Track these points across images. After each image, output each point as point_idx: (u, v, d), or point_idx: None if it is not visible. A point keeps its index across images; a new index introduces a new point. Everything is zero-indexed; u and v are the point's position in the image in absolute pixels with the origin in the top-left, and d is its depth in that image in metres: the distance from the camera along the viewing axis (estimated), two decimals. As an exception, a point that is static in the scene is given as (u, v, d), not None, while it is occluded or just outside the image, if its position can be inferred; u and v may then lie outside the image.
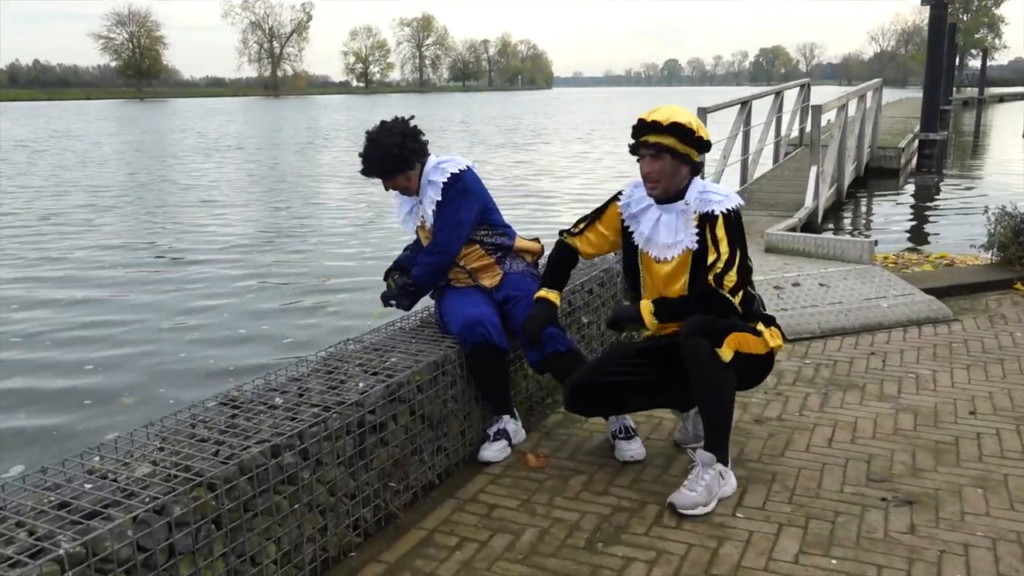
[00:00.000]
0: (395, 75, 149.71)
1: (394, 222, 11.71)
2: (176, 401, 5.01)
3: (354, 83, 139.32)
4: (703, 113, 8.35)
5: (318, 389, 2.63)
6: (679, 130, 2.65)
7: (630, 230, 2.93)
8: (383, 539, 2.60)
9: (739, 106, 9.58)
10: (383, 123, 3.12)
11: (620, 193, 2.97)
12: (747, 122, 9.93)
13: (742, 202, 2.80)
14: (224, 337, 6.70)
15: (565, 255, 3.11)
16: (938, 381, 3.79)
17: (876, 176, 13.45)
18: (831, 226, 9.67)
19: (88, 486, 2.02)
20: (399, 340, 3.15)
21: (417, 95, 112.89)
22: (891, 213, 11.62)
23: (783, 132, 12.53)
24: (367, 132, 3.14)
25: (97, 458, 2.19)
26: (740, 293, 2.64)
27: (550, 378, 3.65)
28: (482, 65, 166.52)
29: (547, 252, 3.58)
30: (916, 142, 15.92)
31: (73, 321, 7.25)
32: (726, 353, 2.60)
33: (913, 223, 10.86)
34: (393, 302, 3.28)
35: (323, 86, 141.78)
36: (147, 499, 1.95)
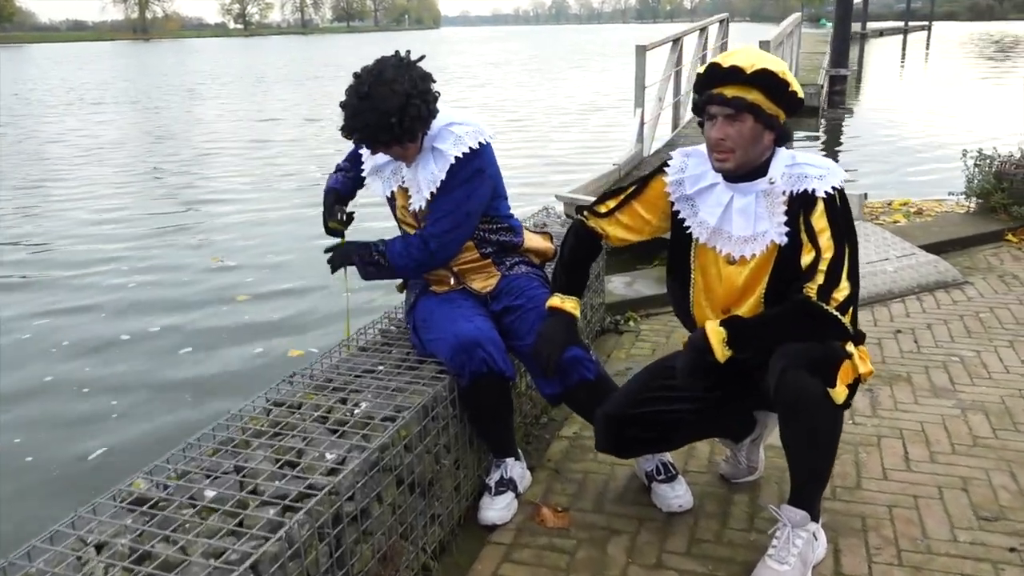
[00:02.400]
0: (275, 16, 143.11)
1: (298, 181, 10.37)
2: (41, 501, 3.40)
3: (231, 25, 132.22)
4: (642, 52, 7.65)
5: (267, 470, 1.81)
6: (768, 81, 1.91)
7: (682, 216, 2.18)
8: (375, 672, 1.83)
9: (671, 44, 8.90)
10: (380, 70, 2.16)
11: (666, 164, 2.21)
12: (679, 61, 9.28)
13: (846, 176, 2.08)
14: (105, 380, 4.60)
15: (587, 244, 2.33)
16: (988, 365, 3.26)
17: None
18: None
19: None
20: (362, 370, 2.34)
21: (300, 37, 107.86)
22: (823, 154, 11.30)
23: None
24: (356, 78, 2.18)
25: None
26: (851, 310, 1.94)
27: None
28: (367, 5, 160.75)
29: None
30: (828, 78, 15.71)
31: None
32: (840, 394, 1.92)
33: (847, 165, 10.51)
34: (352, 266, 2.42)
35: (198, 28, 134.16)
36: None
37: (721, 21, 12.70)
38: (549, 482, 2.55)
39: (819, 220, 1.97)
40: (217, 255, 7.15)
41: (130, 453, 3.74)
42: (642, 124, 7.63)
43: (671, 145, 8.65)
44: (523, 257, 2.54)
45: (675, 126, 9.67)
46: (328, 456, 1.86)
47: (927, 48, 39.78)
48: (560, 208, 5.89)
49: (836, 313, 1.90)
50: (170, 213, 9.08)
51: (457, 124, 2.29)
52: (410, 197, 2.37)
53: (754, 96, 1.92)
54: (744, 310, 2.12)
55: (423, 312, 2.41)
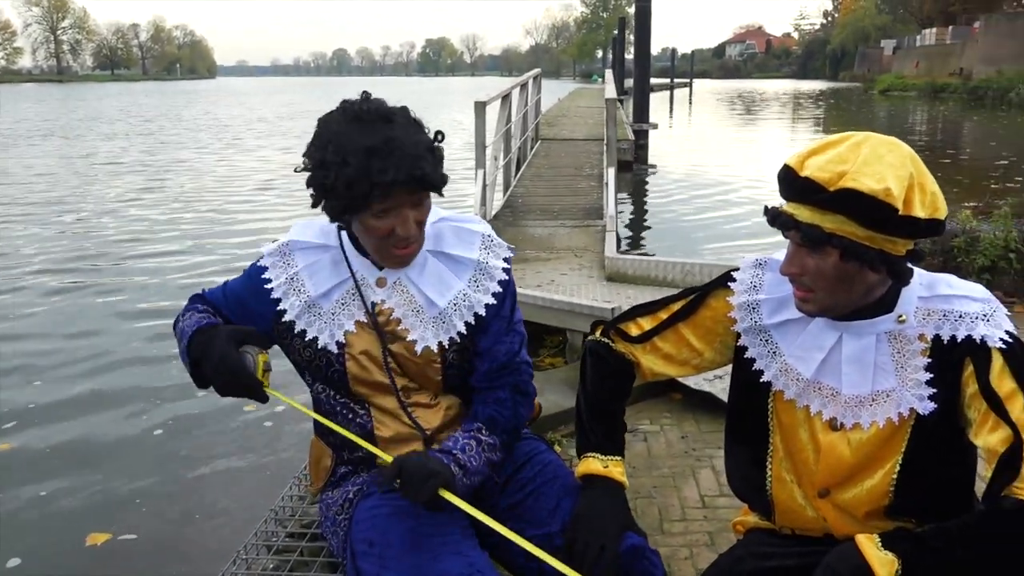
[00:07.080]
0: (26, 62, 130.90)
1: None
2: None
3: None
4: (481, 108, 7.05)
5: None
6: (862, 206, 1.24)
7: (751, 356, 1.49)
8: None
9: (500, 100, 8.40)
10: (370, 101, 1.44)
11: (731, 275, 1.52)
12: (509, 118, 8.81)
13: (1006, 312, 1.47)
14: None
15: (617, 375, 1.62)
16: None
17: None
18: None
19: None
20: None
21: (56, 85, 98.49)
22: (651, 211, 11.27)
23: (518, 128, 11.64)
24: (347, 113, 1.41)
25: None
26: None
27: None
28: (133, 52, 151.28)
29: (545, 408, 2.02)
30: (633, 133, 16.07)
31: None
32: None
33: (676, 223, 10.42)
34: None
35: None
36: None
37: (535, 77, 12.53)
38: None
39: (1003, 382, 1.32)
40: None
41: None
42: (484, 187, 7.01)
43: (509, 207, 8.10)
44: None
45: (507, 187, 9.16)
46: None
47: (690, 104, 43.00)
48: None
49: (1073, 529, 1.26)
50: None
51: (455, 221, 1.59)
52: (399, 330, 1.52)
53: (838, 225, 1.25)
54: (854, 494, 1.45)
55: (370, 526, 1.52)
